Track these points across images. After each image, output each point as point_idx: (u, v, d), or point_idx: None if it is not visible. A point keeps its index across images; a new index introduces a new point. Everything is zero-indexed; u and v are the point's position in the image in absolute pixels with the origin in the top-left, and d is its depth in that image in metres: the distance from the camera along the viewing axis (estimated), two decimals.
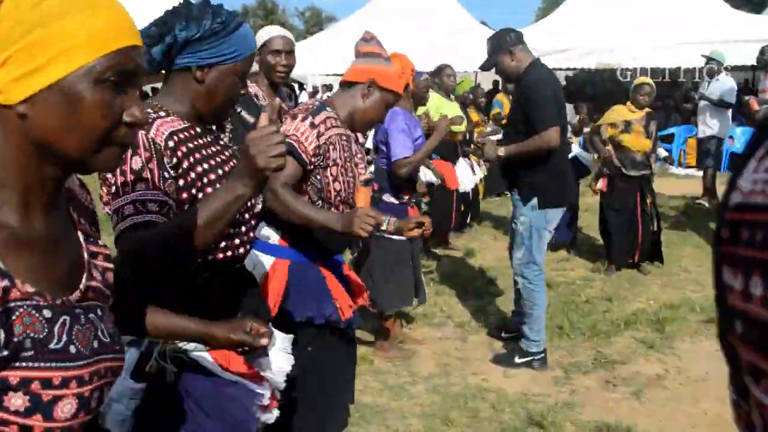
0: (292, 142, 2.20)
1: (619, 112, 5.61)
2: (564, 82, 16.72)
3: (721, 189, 7.64)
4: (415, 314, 4.62)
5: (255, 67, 3.53)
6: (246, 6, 39.38)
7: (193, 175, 1.54)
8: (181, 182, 1.52)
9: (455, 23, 13.47)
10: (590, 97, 13.68)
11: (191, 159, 1.55)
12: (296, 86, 14.20)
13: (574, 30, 12.33)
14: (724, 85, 8.09)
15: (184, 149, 1.54)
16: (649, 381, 3.80)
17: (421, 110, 5.44)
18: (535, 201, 3.75)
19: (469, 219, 6.79)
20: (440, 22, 13.43)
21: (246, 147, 1.34)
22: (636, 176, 5.50)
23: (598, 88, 15.23)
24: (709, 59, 8.25)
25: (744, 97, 8.12)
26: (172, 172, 1.50)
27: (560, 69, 12.65)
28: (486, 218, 7.46)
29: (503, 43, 3.78)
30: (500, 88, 11.04)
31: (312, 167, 2.26)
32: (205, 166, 1.58)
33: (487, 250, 6.17)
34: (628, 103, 5.59)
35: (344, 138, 2.38)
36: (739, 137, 10.61)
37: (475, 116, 7.26)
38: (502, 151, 3.81)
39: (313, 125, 2.25)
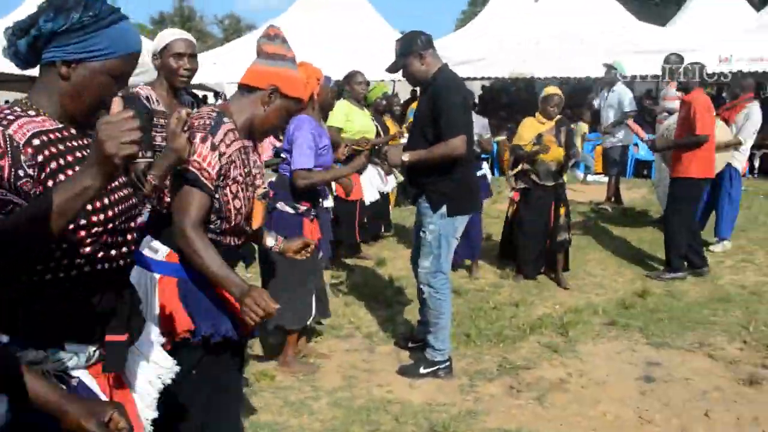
0: (194, 171, 2.03)
1: (530, 128, 5.57)
2: (480, 91, 17.11)
3: (626, 194, 7.89)
4: (322, 326, 4.52)
5: (153, 72, 3.36)
6: (163, 13, 38.44)
7: (61, 177, 1.41)
8: (50, 183, 1.39)
9: (373, 33, 13.48)
10: (505, 106, 14.02)
11: (59, 161, 1.42)
12: (212, 95, 13.89)
13: (489, 40, 12.59)
14: (623, 96, 8.37)
15: (52, 150, 1.42)
16: (552, 385, 3.83)
17: (330, 120, 5.36)
18: (444, 209, 3.71)
19: (382, 229, 6.73)
20: (357, 32, 13.42)
21: (96, 132, 1.23)
22: (551, 186, 5.53)
23: (513, 97, 15.59)
24: (610, 68, 8.53)
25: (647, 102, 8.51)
26: (30, 171, 1.37)
27: (475, 78, 12.89)
28: (399, 227, 7.43)
29: (413, 45, 3.72)
30: (418, 96, 11.11)
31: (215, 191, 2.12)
32: (76, 170, 1.44)
33: (398, 259, 6.12)
34: (538, 114, 5.60)
35: (243, 151, 2.21)
36: (643, 145, 11.05)
37: (390, 124, 7.20)
38: (406, 157, 3.73)
39: (213, 147, 2.07)
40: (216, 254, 2.07)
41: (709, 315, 4.96)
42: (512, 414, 3.51)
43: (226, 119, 2.14)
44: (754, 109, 6.73)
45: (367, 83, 6.43)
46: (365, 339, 4.50)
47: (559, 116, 5.58)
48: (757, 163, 11.65)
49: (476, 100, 16.03)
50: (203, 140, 2.06)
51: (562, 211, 5.59)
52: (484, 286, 5.58)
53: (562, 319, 4.75)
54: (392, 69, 3.87)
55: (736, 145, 6.55)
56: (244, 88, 2.25)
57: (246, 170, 2.21)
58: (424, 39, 3.73)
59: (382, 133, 6.34)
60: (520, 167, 5.57)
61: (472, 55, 12.09)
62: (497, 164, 11.38)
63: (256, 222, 2.34)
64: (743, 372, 4.01)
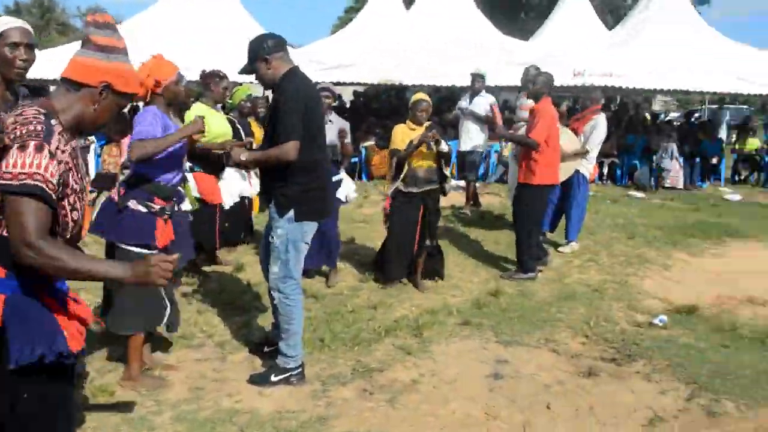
0: (38, 183, 1.83)
1: (402, 133, 5.57)
2: (352, 97, 17.26)
3: (485, 198, 8.19)
4: (172, 336, 4.30)
5: None
6: (19, 3, 35.64)
7: None
8: None
9: (243, 33, 13.18)
10: (376, 111, 14.20)
11: None
12: None
13: (362, 45, 12.72)
14: (487, 101, 8.71)
15: None
16: (404, 386, 3.86)
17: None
18: (291, 213, 3.66)
19: (242, 235, 6.54)
20: (227, 31, 13.10)
21: None
22: (419, 192, 5.53)
23: (384, 103, 15.85)
24: (477, 76, 8.83)
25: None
26: None
27: (345, 83, 12.97)
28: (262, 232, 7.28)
29: (260, 50, 3.66)
30: None
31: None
32: None
33: (258, 264, 5.93)
34: (408, 121, 5.62)
35: (75, 155, 2.02)
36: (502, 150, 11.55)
37: (255, 127, 7.02)
38: (243, 156, 3.74)
39: (51, 155, 1.87)
40: (74, 252, 1.92)
41: (556, 313, 5.22)
42: (363, 417, 3.50)
43: (53, 121, 1.94)
44: (601, 121, 7.20)
45: (234, 85, 6.27)
46: (217, 347, 4.34)
47: (428, 122, 5.64)
48: (605, 170, 12.54)
49: (348, 105, 16.17)
50: (39, 149, 1.86)
51: (429, 217, 5.64)
52: (343, 290, 5.56)
53: (417, 321, 4.82)
54: (243, 71, 3.83)
55: (583, 153, 6.98)
56: (71, 83, 2.03)
57: (80, 175, 2.04)
58: (271, 43, 3.67)
59: (243, 137, 6.18)
60: (405, 170, 5.52)
61: (345, 60, 12.16)
62: (366, 169, 11.49)
63: (84, 228, 2.17)
64: (584, 365, 4.23)
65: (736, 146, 14.58)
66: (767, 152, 13.72)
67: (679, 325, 5.05)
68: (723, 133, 15.49)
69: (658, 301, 5.65)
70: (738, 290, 6.05)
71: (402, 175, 5.50)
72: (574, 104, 14.83)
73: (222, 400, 3.62)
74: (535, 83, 6.19)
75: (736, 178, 14.03)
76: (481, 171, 10.94)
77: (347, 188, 5.78)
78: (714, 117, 18.00)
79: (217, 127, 5.48)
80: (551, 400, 3.74)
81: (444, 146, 5.46)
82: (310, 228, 3.77)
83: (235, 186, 5.97)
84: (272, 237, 3.75)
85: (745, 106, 28.00)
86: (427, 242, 5.70)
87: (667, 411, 3.64)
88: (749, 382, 3.91)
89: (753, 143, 14.14)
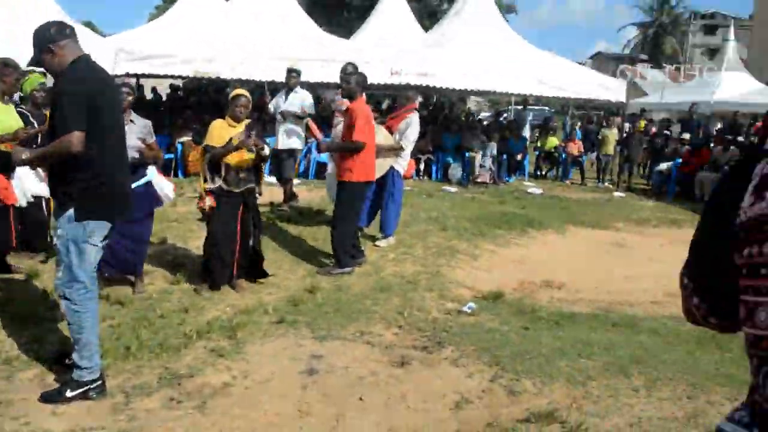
0: None
1: (221, 129, 5.31)
2: (169, 90, 16.49)
3: (305, 195, 8.14)
4: None
5: None
6: None
7: None
8: None
9: (44, 19, 12.02)
10: (193, 106, 13.67)
11: None
12: None
13: (176, 36, 12.14)
14: (305, 99, 8.69)
15: None
16: (215, 391, 3.73)
17: None
18: (71, 212, 3.40)
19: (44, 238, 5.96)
20: (27, 19, 11.87)
21: None
22: (238, 192, 5.34)
23: (202, 97, 15.33)
24: (292, 71, 8.78)
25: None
26: None
27: (159, 76, 12.35)
28: None
29: (43, 38, 3.39)
30: None
31: None
32: None
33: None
34: (227, 117, 5.38)
35: None
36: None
37: None
38: (25, 154, 3.47)
39: None
40: None
41: (371, 305, 5.31)
42: (169, 427, 3.33)
43: None
44: (414, 119, 7.48)
45: (24, 75, 5.74)
46: (4, 365, 3.89)
47: (248, 120, 5.43)
48: (422, 167, 13.10)
49: (163, 98, 15.41)
50: None
51: (250, 216, 5.47)
52: (153, 294, 5.25)
53: (231, 322, 4.68)
54: (31, 63, 3.55)
55: (398, 150, 7.21)
56: None
57: None
58: (54, 30, 3.40)
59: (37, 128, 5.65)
60: (223, 169, 5.27)
61: (159, 51, 11.54)
62: (182, 165, 11.02)
63: None
64: (396, 355, 4.34)
65: (538, 144, 15.92)
66: (564, 149, 15.11)
67: (486, 311, 5.36)
68: (527, 132, 16.81)
69: (468, 290, 5.97)
70: (537, 276, 6.59)
71: (223, 175, 5.30)
72: (393, 102, 15.32)
73: (5, 425, 3.25)
74: (349, 83, 6.29)
75: (538, 173, 15.31)
76: (302, 168, 10.96)
77: (164, 187, 5.39)
78: (519, 117, 19.50)
79: (5, 122, 4.97)
80: (364, 392, 3.80)
81: (266, 151, 5.36)
82: (98, 228, 3.50)
83: (29, 186, 5.43)
84: (54, 238, 3.48)
85: (546, 108, 30.65)
86: (251, 242, 5.54)
87: (472, 393, 3.83)
88: (545, 361, 4.21)
89: (552, 141, 15.51)
